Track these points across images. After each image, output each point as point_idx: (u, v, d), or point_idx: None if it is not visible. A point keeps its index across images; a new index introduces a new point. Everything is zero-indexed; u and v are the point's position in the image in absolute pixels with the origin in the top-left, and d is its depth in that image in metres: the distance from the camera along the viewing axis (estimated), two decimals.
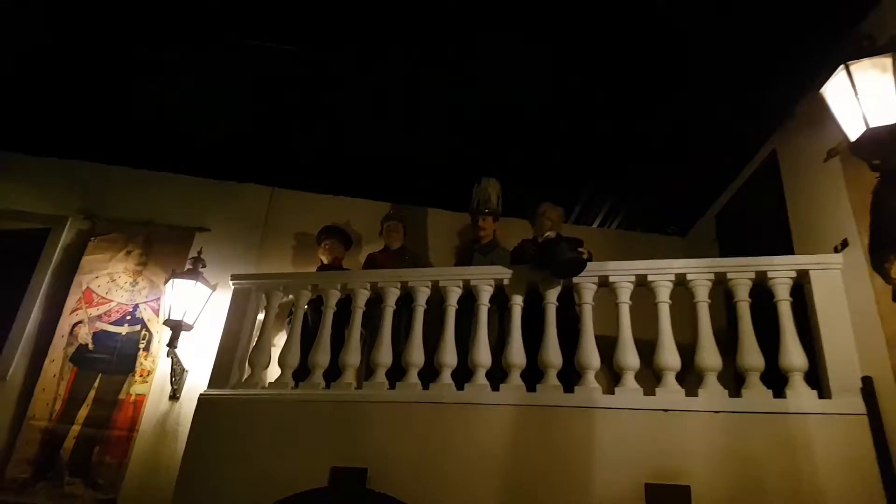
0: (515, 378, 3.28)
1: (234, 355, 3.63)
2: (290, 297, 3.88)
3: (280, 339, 4.21)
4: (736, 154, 4.17)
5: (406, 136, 4.31)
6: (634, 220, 5.08)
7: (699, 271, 3.30)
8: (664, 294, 3.31)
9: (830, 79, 2.87)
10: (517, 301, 3.49)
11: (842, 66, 2.82)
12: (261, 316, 3.91)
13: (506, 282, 3.53)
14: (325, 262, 4.48)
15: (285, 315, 4.25)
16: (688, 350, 3.19)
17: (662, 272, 3.32)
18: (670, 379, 3.11)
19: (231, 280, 3.89)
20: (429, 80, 3.76)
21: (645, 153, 4.24)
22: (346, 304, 3.80)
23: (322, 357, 3.54)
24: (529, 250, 3.82)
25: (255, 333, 3.84)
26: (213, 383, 3.56)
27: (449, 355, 3.39)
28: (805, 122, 3.52)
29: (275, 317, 3.81)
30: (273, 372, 3.69)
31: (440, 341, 3.44)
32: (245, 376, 3.65)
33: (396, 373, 3.46)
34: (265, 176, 4.89)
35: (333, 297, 3.75)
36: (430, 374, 3.41)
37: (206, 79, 3.92)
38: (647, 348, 3.23)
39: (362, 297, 3.71)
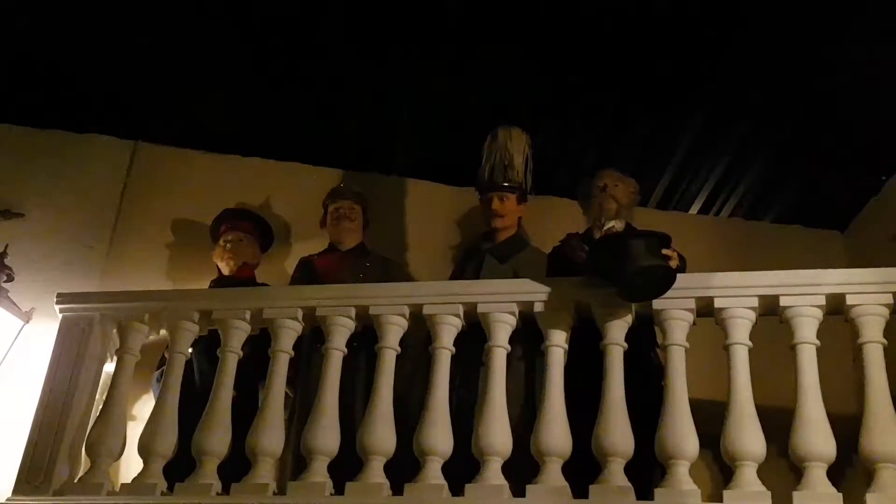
0: (553, 473, 3.32)
1: (60, 436, 3.65)
2: (163, 333, 3.93)
3: (143, 408, 4.23)
4: None
5: (364, 40, 4.45)
6: (760, 205, 5.20)
7: (869, 289, 3.36)
8: (807, 329, 3.36)
9: None
10: (557, 341, 3.54)
11: None
12: (109, 367, 3.94)
13: (538, 307, 3.58)
14: (227, 271, 4.54)
15: (153, 366, 4.29)
16: (839, 423, 3.26)
17: (805, 291, 3.37)
18: (816, 475, 3.19)
19: (57, 303, 3.92)
20: None
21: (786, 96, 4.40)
22: (260, 347, 3.85)
23: (217, 439, 3.57)
24: (578, 252, 3.90)
25: (100, 397, 3.87)
26: (20, 487, 3.58)
27: (438, 434, 3.42)
28: None
29: (134, 368, 3.84)
30: (131, 465, 3.71)
31: (424, 409, 3.48)
32: (81, 473, 3.67)
33: (347, 465, 3.50)
34: (125, 122, 5.02)
35: (237, 334, 3.78)
36: (406, 465, 3.46)
37: None
38: (770, 418, 3.29)
39: (288, 334, 3.75)
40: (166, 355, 3.95)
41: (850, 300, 3.37)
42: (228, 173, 5.13)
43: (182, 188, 5.08)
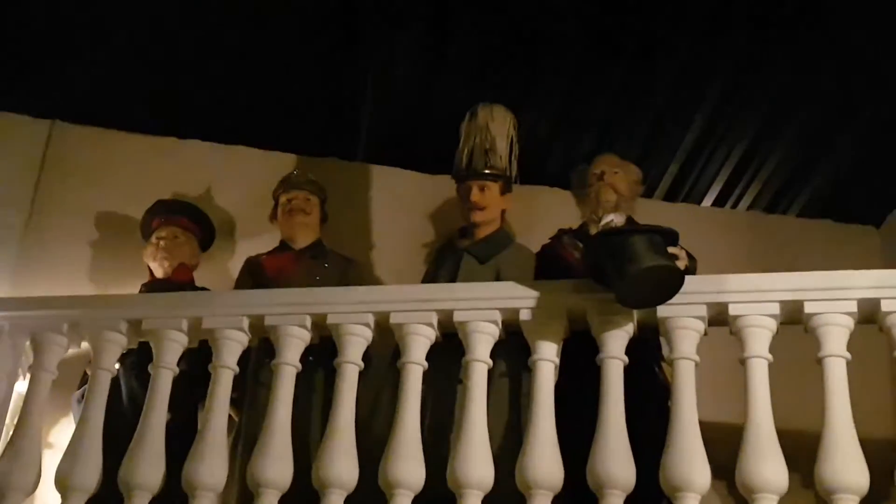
0: None
1: None
2: (84, 346, 3.90)
3: (61, 434, 4.22)
4: None
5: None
6: (784, 197, 5.26)
7: None
8: (836, 340, 3.36)
9: None
10: (546, 354, 3.54)
11: None
12: (21, 386, 3.92)
13: (524, 315, 3.58)
14: (160, 273, 4.55)
15: (74, 385, 4.28)
16: (873, 449, 3.25)
17: (834, 296, 3.37)
18: None
19: None
20: None
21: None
22: (200, 362, 3.83)
23: (148, 470, 3.54)
24: (571, 251, 3.89)
25: (10, 421, 3.86)
26: None
27: (408, 464, 3.41)
28: None
29: (51, 388, 3.82)
30: (47, 501, 3.73)
31: (392, 434, 3.47)
32: None
33: (302, 500, 3.50)
34: (40, 97, 5.01)
35: (172, 347, 3.76)
36: (370, 500, 3.45)
37: None
38: (793, 443, 3.30)
39: (232, 347, 3.73)
40: (88, 372, 3.92)
41: (885, 306, 3.37)
42: (162, 158, 5.13)
43: (108, 176, 5.08)
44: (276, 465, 3.49)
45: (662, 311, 3.47)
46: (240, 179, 5.10)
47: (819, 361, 3.37)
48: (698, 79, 4.63)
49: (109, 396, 3.80)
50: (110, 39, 4.68)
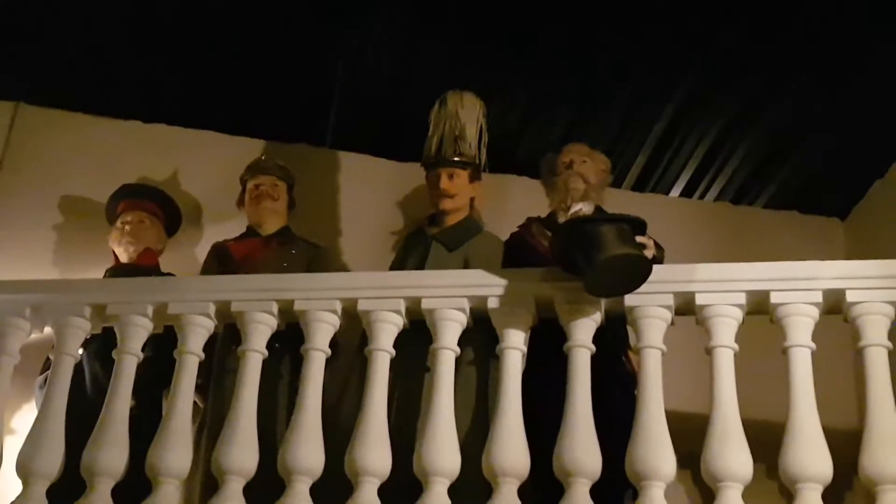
0: (508, 496, 3.30)
1: None
2: (47, 331, 3.87)
3: (23, 420, 4.22)
4: None
5: None
6: (751, 188, 5.30)
7: (872, 284, 3.38)
8: (802, 330, 3.38)
9: None
10: (514, 342, 3.54)
11: None
12: None
13: (492, 303, 3.58)
14: (125, 258, 4.54)
15: (36, 370, 4.27)
16: (836, 438, 3.28)
17: (799, 287, 3.40)
18: (810, 498, 3.22)
19: None
20: None
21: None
22: (165, 348, 3.81)
23: (111, 456, 3.53)
24: (539, 239, 3.89)
25: None
26: None
27: (375, 452, 3.41)
28: None
29: (12, 373, 3.80)
30: (8, 487, 3.70)
31: (358, 422, 3.47)
32: None
33: (267, 487, 3.48)
34: (3, 78, 5.00)
35: (137, 332, 3.74)
36: (336, 487, 3.45)
37: None
38: (758, 433, 3.32)
39: (198, 333, 3.72)
40: (51, 358, 3.90)
41: (850, 297, 3.40)
42: (128, 142, 5.12)
43: (73, 159, 5.06)
44: (241, 452, 3.48)
45: (630, 299, 3.48)
46: (207, 164, 5.08)
47: (784, 351, 3.40)
48: (668, 70, 4.64)
49: (73, 382, 3.77)
50: (76, 21, 4.63)
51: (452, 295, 3.62)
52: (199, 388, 3.87)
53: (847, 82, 4.54)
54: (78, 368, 3.89)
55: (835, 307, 3.45)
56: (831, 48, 4.37)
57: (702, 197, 5.39)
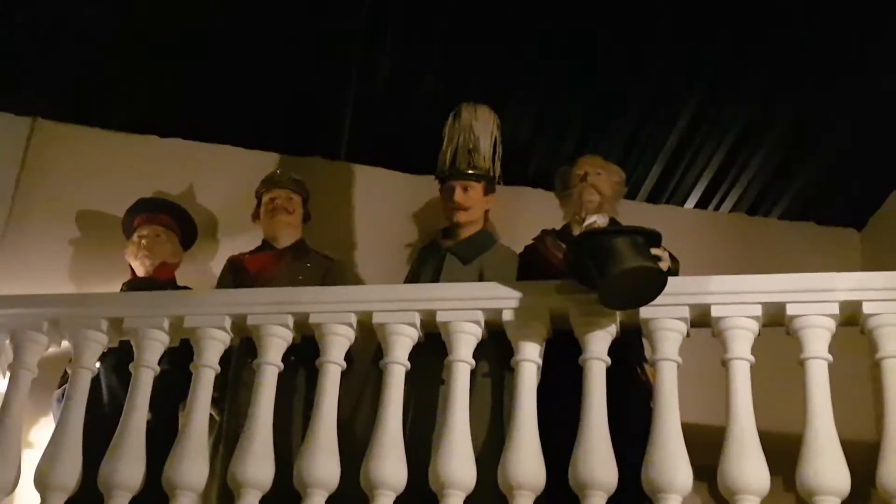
0: None
1: None
2: (65, 344, 3.88)
3: (41, 432, 4.23)
4: None
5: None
6: (767, 199, 5.30)
7: (889, 296, 3.37)
8: (818, 342, 3.37)
9: None
10: (529, 355, 3.54)
11: None
12: (1, 385, 3.91)
13: (507, 315, 3.58)
14: (142, 272, 4.54)
15: (54, 384, 4.27)
16: (854, 451, 3.28)
17: (816, 298, 3.39)
18: None
19: None
20: None
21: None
22: (181, 361, 3.82)
23: (128, 470, 3.53)
24: (554, 252, 3.89)
25: None
26: None
27: (390, 465, 3.40)
28: None
29: (31, 386, 3.81)
30: (26, 500, 3.72)
31: (374, 435, 3.47)
32: None
33: (283, 500, 3.50)
34: (21, 94, 5.01)
35: (153, 346, 3.74)
36: (352, 500, 3.45)
37: None
38: (775, 445, 3.31)
39: (214, 346, 3.73)
40: (69, 371, 3.89)
41: (867, 308, 3.39)
42: (144, 156, 5.13)
43: (89, 174, 5.08)
44: (257, 464, 3.48)
45: (645, 312, 3.47)
46: (222, 178, 5.10)
47: (801, 363, 3.39)
48: (681, 81, 4.64)
49: (90, 395, 3.78)
50: (92, 36, 4.65)
51: (467, 308, 3.62)
52: (216, 402, 3.88)
53: (863, 92, 4.52)
54: (95, 382, 3.90)
55: (851, 319, 3.44)
56: (845, 58, 4.37)
57: (717, 208, 5.38)
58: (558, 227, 4.24)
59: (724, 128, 4.90)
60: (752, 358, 3.43)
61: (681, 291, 3.48)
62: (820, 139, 4.87)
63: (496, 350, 3.71)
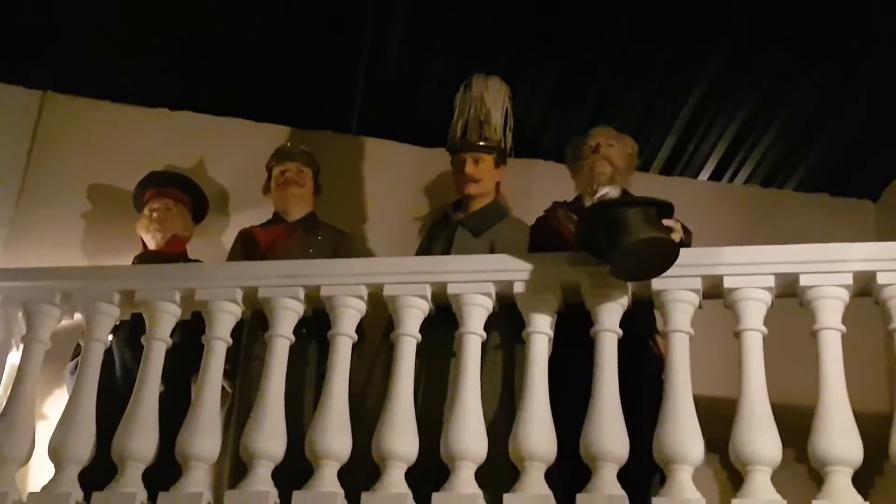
0: (535, 480, 3.33)
1: None
2: (77, 317, 3.91)
3: (55, 405, 4.26)
4: None
5: None
6: (781, 170, 5.28)
7: None
8: (831, 313, 3.37)
9: None
10: (540, 327, 3.55)
11: None
12: (14, 357, 3.93)
13: (518, 287, 3.59)
14: (153, 245, 4.56)
15: (67, 356, 4.29)
16: (867, 422, 3.28)
17: (829, 269, 3.38)
18: (839, 482, 3.21)
19: None
20: None
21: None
22: (193, 334, 3.85)
23: (141, 441, 3.56)
24: (566, 224, 3.89)
25: (3, 392, 3.88)
26: None
27: (401, 436, 3.43)
28: None
29: (44, 359, 3.83)
30: (40, 470, 3.73)
31: (385, 406, 3.49)
32: None
33: (295, 471, 3.51)
34: (32, 67, 5.00)
35: (165, 318, 3.77)
36: (363, 472, 3.47)
37: None
38: (787, 416, 3.32)
39: (226, 319, 3.74)
40: (82, 343, 3.92)
41: (881, 279, 3.39)
42: (154, 129, 5.14)
43: (100, 147, 5.09)
44: (269, 436, 3.51)
45: (657, 283, 3.47)
46: (233, 151, 5.10)
47: (814, 334, 3.39)
48: (696, 51, 4.61)
49: (102, 368, 3.81)
50: (102, 9, 4.64)
51: (478, 280, 3.62)
52: (227, 374, 3.90)
53: (879, 64, 4.49)
54: (108, 354, 3.93)
55: (865, 289, 3.44)
56: (859, 25, 4.33)
57: (731, 180, 5.36)
58: (570, 199, 4.24)
59: (739, 100, 4.87)
60: (764, 329, 3.43)
61: (693, 263, 3.48)
62: (835, 111, 4.83)
63: (507, 322, 3.72)
